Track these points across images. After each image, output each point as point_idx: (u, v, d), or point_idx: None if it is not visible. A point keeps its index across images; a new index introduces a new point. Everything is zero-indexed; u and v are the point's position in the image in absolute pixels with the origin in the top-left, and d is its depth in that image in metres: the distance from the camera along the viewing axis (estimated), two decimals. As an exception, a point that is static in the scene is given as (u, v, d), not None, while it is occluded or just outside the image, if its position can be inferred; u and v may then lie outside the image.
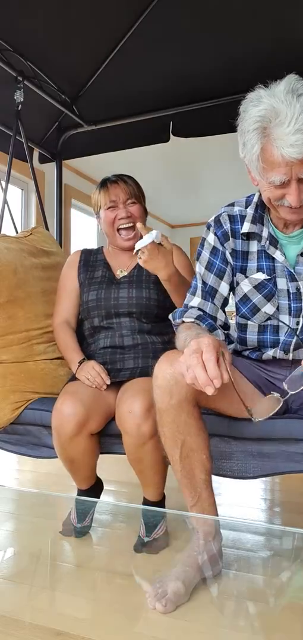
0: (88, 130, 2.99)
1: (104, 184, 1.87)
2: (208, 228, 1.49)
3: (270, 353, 1.46)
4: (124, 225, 1.84)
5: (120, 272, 1.87)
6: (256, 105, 1.23)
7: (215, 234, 1.47)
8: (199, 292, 1.46)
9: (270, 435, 1.45)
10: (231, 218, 1.46)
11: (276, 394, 1.24)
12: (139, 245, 1.53)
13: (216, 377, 1.09)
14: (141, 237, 1.54)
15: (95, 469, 1.71)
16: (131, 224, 1.83)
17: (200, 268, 1.48)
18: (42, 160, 3.22)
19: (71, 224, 5.30)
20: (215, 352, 1.11)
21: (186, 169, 5.46)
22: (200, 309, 1.44)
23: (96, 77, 2.71)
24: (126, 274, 1.85)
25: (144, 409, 1.47)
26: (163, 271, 1.57)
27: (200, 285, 1.46)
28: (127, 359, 1.73)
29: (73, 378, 1.75)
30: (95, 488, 1.75)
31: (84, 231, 5.72)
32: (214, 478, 1.42)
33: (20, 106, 2.53)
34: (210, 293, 1.45)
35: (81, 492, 1.73)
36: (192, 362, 1.11)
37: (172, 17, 2.38)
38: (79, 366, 1.72)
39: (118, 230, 1.85)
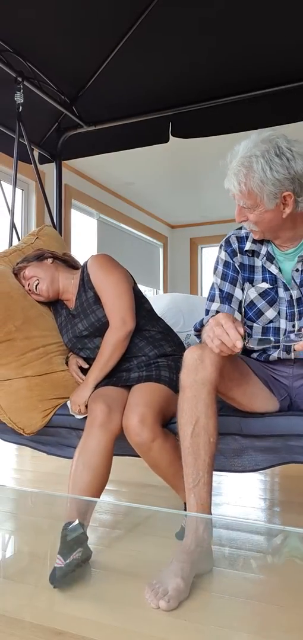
0: (88, 130, 2.99)
1: None
2: (220, 247, 1.75)
3: (275, 354, 1.65)
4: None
5: (72, 305, 2.04)
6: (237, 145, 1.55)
7: (226, 251, 1.72)
8: (217, 298, 1.69)
9: (276, 432, 1.60)
10: (239, 239, 1.71)
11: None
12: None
13: (238, 339, 1.34)
14: None
15: (99, 495, 1.61)
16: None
17: (216, 280, 1.72)
18: (42, 160, 3.22)
19: (71, 224, 5.30)
20: (231, 319, 1.37)
21: (186, 169, 5.46)
22: (217, 311, 1.64)
23: (96, 78, 2.71)
24: (73, 306, 2.02)
25: (138, 420, 1.58)
26: (85, 390, 1.80)
27: (217, 292, 1.70)
28: (123, 363, 1.86)
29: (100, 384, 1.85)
30: (79, 527, 1.52)
31: (84, 231, 5.72)
32: (214, 477, 1.43)
33: (21, 107, 2.53)
34: (226, 298, 1.69)
35: (66, 526, 1.51)
36: (217, 332, 1.35)
37: (172, 17, 2.38)
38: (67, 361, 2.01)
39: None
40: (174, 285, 7.66)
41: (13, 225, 2.57)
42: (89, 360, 1.96)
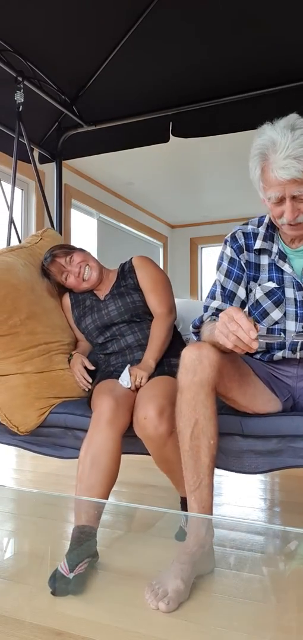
0: (88, 130, 2.98)
1: None
2: (225, 243, 1.70)
3: (279, 354, 1.62)
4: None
5: (103, 295, 2.07)
6: (260, 136, 1.47)
7: (232, 247, 1.67)
8: (218, 296, 1.65)
9: (279, 432, 1.55)
10: (245, 235, 1.67)
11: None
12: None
13: (251, 329, 1.25)
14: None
15: (107, 494, 1.57)
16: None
17: (219, 276, 1.67)
18: (42, 160, 3.22)
19: (71, 224, 5.30)
20: (242, 312, 1.29)
21: (186, 169, 5.46)
22: (217, 309, 1.61)
23: (96, 77, 2.71)
24: (107, 292, 2.06)
25: (157, 412, 1.55)
26: (148, 370, 1.77)
27: (219, 290, 1.65)
28: (137, 357, 1.86)
29: (101, 378, 1.86)
30: (91, 535, 1.51)
31: (84, 231, 5.72)
32: (214, 477, 1.43)
33: (21, 107, 2.53)
34: (229, 297, 1.64)
35: (77, 530, 1.51)
36: (232, 328, 1.27)
37: (172, 17, 2.38)
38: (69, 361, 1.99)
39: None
40: (174, 285, 7.65)
41: (11, 223, 2.56)
42: (105, 345, 1.96)
